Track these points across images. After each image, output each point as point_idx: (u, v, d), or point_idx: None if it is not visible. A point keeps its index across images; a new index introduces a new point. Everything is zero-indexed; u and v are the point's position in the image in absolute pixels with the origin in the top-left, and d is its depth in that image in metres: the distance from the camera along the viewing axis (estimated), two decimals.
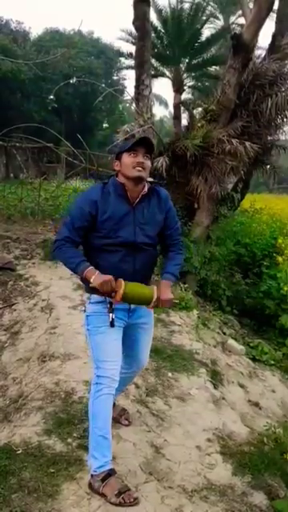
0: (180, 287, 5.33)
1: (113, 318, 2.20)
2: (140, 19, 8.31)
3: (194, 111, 7.87)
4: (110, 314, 2.20)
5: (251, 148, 5.55)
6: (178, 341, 4.30)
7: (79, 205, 2.23)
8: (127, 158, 2.16)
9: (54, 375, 3.23)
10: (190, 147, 5.45)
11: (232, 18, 23.53)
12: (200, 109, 6.56)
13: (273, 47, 6.82)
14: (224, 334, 5.00)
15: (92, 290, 2.22)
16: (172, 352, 4.01)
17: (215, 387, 3.66)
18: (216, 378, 3.85)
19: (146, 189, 2.26)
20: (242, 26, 20.43)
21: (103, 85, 31.63)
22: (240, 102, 6.13)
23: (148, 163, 2.20)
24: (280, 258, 6.24)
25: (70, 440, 2.58)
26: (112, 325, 2.19)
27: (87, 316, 2.30)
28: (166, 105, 26.00)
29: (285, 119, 6.30)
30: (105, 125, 35.16)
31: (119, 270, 2.19)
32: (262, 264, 7.46)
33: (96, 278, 2.10)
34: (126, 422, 2.81)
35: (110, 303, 2.20)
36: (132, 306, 2.30)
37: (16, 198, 8.24)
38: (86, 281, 2.17)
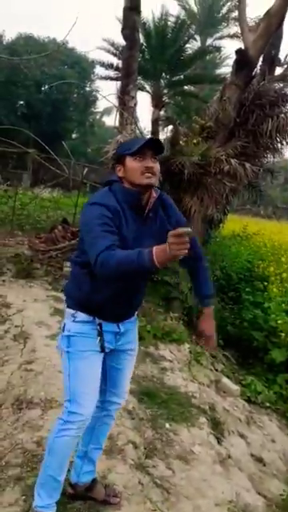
0: (170, 317, 4.86)
1: (103, 343, 1.87)
2: (129, 28, 7.92)
3: (181, 128, 7.52)
4: (100, 338, 1.87)
5: (251, 170, 5.23)
6: (172, 381, 3.81)
7: (97, 212, 1.70)
8: (133, 163, 1.78)
9: (34, 431, 2.64)
10: (187, 165, 5.06)
11: (209, 41, 23.93)
12: (194, 125, 6.19)
13: (272, 66, 6.61)
14: (216, 370, 4.56)
15: (78, 307, 1.88)
16: (167, 396, 3.51)
17: (219, 442, 3.19)
18: (217, 428, 3.39)
19: (155, 194, 1.87)
20: (218, 48, 20.84)
21: (75, 94, 31.28)
22: (239, 120, 5.83)
23: (157, 167, 1.81)
24: (275, 289, 5.90)
25: None
26: (102, 350, 1.88)
27: (68, 336, 1.88)
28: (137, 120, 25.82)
29: (284, 142, 6.07)
30: (74, 135, 34.56)
31: (125, 286, 1.82)
32: (238, 288, 7.18)
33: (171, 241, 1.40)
34: (117, 500, 2.25)
35: (100, 324, 1.87)
36: (122, 329, 1.94)
37: None
38: (158, 264, 1.44)
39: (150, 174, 1.75)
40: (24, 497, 2.15)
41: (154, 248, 1.45)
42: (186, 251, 1.41)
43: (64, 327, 1.92)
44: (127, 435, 2.82)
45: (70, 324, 1.89)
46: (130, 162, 1.78)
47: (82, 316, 1.87)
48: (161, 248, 1.43)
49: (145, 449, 2.76)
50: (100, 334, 1.86)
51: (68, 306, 1.93)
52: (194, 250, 1.99)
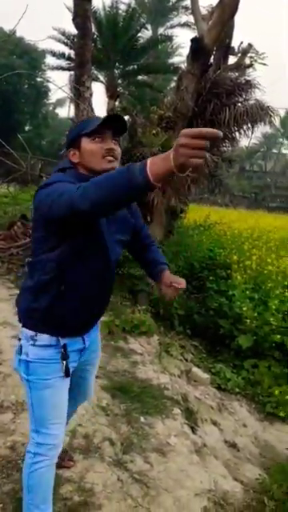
0: (137, 310, 4.83)
1: (67, 367, 1.64)
2: (81, 16, 7.72)
3: (137, 118, 7.45)
4: (65, 362, 1.63)
5: (211, 159, 5.25)
6: (143, 374, 3.79)
7: (55, 186, 1.41)
8: (91, 145, 1.52)
9: (6, 435, 2.54)
10: (147, 156, 4.99)
11: (160, 30, 23.87)
12: (152, 115, 6.14)
13: (226, 55, 6.65)
14: (186, 360, 4.59)
15: (37, 325, 1.60)
16: (140, 389, 3.49)
17: (193, 431, 3.21)
18: (191, 418, 3.41)
19: None
20: (169, 37, 20.81)
21: (26, 86, 30.38)
22: (197, 110, 5.82)
23: (119, 150, 1.56)
24: (239, 277, 6.00)
25: None
26: (67, 375, 1.65)
27: (27, 362, 1.62)
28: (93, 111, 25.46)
29: (242, 132, 6.14)
30: (27, 128, 33.62)
31: (96, 286, 1.62)
32: (201, 277, 7.26)
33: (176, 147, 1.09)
34: (71, 464, 2.39)
35: (64, 346, 1.62)
36: (87, 344, 1.76)
37: None
38: (152, 178, 1.13)
39: (111, 158, 1.52)
40: (1, 504, 2.07)
41: (149, 160, 1.14)
42: (201, 161, 1.09)
43: (21, 349, 1.64)
44: (103, 432, 2.79)
45: (28, 348, 1.61)
46: (88, 143, 1.53)
47: (43, 339, 1.60)
48: (160, 156, 1.13)
49: (121, 444, 2.73)
50: (64, 357, 1.63)
51: (24, 325, 1.64)
52: (148, 239, 1.93)
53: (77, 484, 2.27)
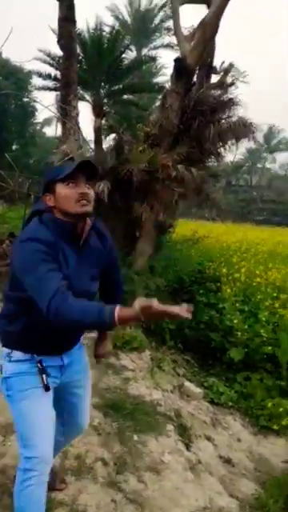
0: (128, 325, 4.80)
1: (47, 381, 1.70)
2: (66, 38, 7.85)
3: (124, 136, 7.53)
4: (43, 376, 1.70)
5: (198, 174, 5.31)
6: (136, 390, 3.76)
7: (34, 249, 1.53)
8: (65, 189, 1.61)
9: None
10: (135, 172, 5.05)
11: (144, 51, 24.34)
12: (139, 132, 6.22)
13: (208, 74, 6.80)
14: (178, 374, 4.56)
15: (13, 344, 1.71)
16: (132, 406, 3.46)
17: (187, 448, 3.18)
18: (184, 434, 3.37)
19: (89, 221, 1.73)
20: (153, 58, 21.18)
21: (13, 106, 30.61)
22: (182, 127, 5.92)
23: (92, 194, 1.66)
24: (229, 290, 6.02)
25: None
26: (47, 388, 1.70)
27: (6, 378, 1.72)
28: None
29: (227, 148, 6.25)
30: (14, 146, 33.76)
31: (59, 333, 1.63)
32: (191, 291, 7.26)
33: (141, 307, 1.35)
34: (63, 486, 2.34)
35: (40, 361, 1.70)
36: (66, 361, 1.81)
37: None
38: (118, 325, 1.39)
39: (85, 201, 1.60)
40: None
41: (118, 309, 1.36)
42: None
43: (1, 369, 1.74)
44: (95, 452, 2.74)
45: (6, 365, 1.72)
46: (62, 188, 1.61)
47: (17, 355, 1.71)
48: (127, 312, 1.36)
49: (114, 464, 2.69)
50: (41, 371, 1.70)
51: (2, 345, 1.76)
52: (115, 276, 2.01)
53: (69, 507, 2.22)
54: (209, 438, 3.63)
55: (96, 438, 2.91)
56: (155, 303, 1.33)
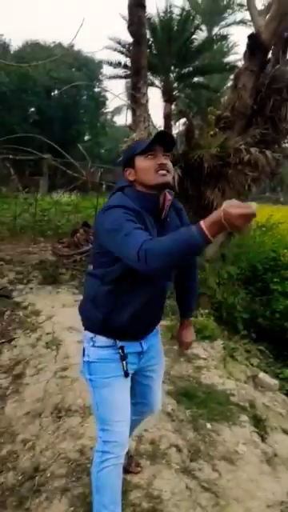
0: (200, 313, 4.77)
1: (126, 367, 1.76)
2: (136, 24, 7.83)
3: (194, 120, 7.38)
4: (124, 362, 1.75)
5: (272, 157, 5.08)
6: (208, 379, 3.73)
7: (120, 213, 1.54)
8: (144, 162, 1.65)
9: (75, 439, 2.61)
10: (206, 158, 4.94)
11: (215, 29, 23.58)
12: (210, 116, 6.06)
13: (285, 49, 6.42)
14: (252, 365, 4.45)
15: (97, 329, 1.75)
16: (205, 395, 3.43)
17: (263, 440, 3.09)
18: (259, 425, 3.28)
19: (170, 196, 1.76)
20: (224, 36, 20.44)
21: (85, 97, 31.34)
22: (256, 108, 5.67)
23: (170, 164, 1.68)
24: None
25: None
26: (126, 375, 1.76)
27: (89, 363, 1.77)
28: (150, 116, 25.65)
29: None
30: (87, 137, 34.65)
31: (149, 309, 1.76)
32: (264, 279, 7.01)
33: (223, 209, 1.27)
34: (138, 469, 2.40)
35: (122, 347, 1.74)
36: (145, 348, 1.85)
37: (8, 215, 7.57)
38: (212, 239, 1.30)
39: (164, 171, 1.63)
40: (72, 508, 2.12)
41: (202, 223, 1.29)
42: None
43: (84, 352, 1.80)
44: (169, 438, 2.77)
45: (89, 349, 1.77)
46: (141, 161, 1.66)
47: (101, 340, 1.74)
48: (212, 221, 1.27)
49: (188, 451, 2.70)
50: (123, 357, 1.74)
51: (86, 329, 1.80)
52: (193, 269, 2.06)
53: (145, 490, 2.27)
54: (285, 431, 3.50)
55: (170, 424, 2.94)
56: (235, 203, 1.26)
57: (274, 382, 4.19)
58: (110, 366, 1.74)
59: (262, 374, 4.23)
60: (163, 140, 1.65)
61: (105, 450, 1.76)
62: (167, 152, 1.68)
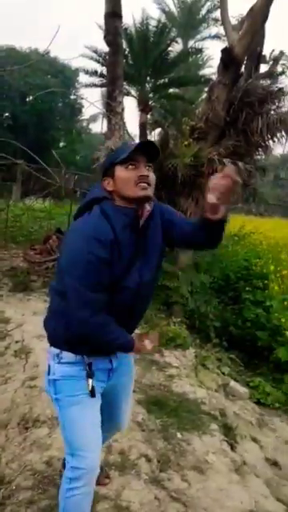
0: (173, 322, 4.78)
1: (93, 386, 1.61)
2: (112, 34, 7.90)
3: (169, 130, 7.47)
4: (90, 380, 1.61)
5: (244, 168, 5.18)
6: (180, 388, 3.72)
7: (88, 249, 1.44)
8: (124, 172, 1.51)
9: (42, 450, 2.54)
10: (181, 167, 4.99)
11: (190, 42, 24.01)
12: (184, 126, 6.14)
13: (257, 64, 6.59)
14: (223, 373, 4.48)
15: (64, 345, 1.60)
16: (176, 404, 3.42)
17: (232, 448, 3.10)
18: (229, 434, 3.30)
19: (148, 207, 1.60)
20: (200, 50, 20.82)
21: (60, 103, 31.25)
22: (229, 120, 5.78)
23: (153, 176, 1.54)
24: (276, 287, 5.85)
25: None
26: (93, 395, 1.61)
27: (54, 381, 1.63)
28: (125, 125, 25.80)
29: (276, 140, 6.03)
30: (62, 144, 34.49)
31: (118, 316, 1.59)
32: (236, 288, 7.11)
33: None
34: (107, 481, 2.34)
35: (89, 364, 1.61)
36: (115, 365, 1.72)
37: None
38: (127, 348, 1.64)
39: (145, 184, 1.49)
40: None
41: (135, 340, 1.60)
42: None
43: (49, 370, 1.66)
44: (139, 448, 2.73)
45: (54, 366, 1.63)
46: (121, 171, 1.51)
47: (68, 356, 1.61)
48: (137, 347, 1.60)
49: (158, 462, 2.67)
50: (89, 375, 1.61)
51: (51, 345, 1.66)
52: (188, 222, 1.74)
53: (113, 501, 2.23)
54: (255, 440, 3.55)
55: (140, 433, 2.91)
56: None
57: (245, 390, 4.24)
58: (76, 384, 1.61)
59: (232, 383, 4.27)
60: (146, 150, 1.51)
61: (74, 477, 1.62)
62: (150, 163, 1.54)
